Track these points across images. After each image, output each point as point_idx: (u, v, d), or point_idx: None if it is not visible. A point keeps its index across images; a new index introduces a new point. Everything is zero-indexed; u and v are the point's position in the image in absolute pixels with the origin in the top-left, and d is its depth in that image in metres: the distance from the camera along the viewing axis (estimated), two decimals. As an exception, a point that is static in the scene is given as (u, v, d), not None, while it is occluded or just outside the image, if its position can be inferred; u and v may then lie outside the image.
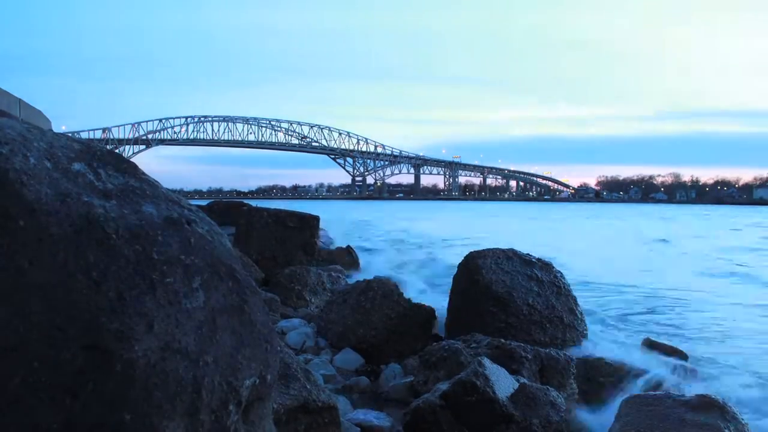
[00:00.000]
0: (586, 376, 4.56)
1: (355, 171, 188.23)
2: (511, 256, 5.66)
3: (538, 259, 5.75)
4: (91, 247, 1.39)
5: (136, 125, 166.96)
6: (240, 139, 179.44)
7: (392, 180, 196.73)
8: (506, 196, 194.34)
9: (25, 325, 1.28)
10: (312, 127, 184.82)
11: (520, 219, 47.32)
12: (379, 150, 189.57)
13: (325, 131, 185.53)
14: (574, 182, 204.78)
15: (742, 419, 3.41)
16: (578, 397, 4.27)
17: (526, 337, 4.95)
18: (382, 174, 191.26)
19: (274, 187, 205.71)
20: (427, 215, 51.14)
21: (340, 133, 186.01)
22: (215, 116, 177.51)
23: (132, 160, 1.79)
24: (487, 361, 3.73)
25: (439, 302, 7.72)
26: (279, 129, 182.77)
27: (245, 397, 1.59)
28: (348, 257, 11.95)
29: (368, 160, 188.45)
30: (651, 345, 5.96)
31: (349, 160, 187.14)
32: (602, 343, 6.26)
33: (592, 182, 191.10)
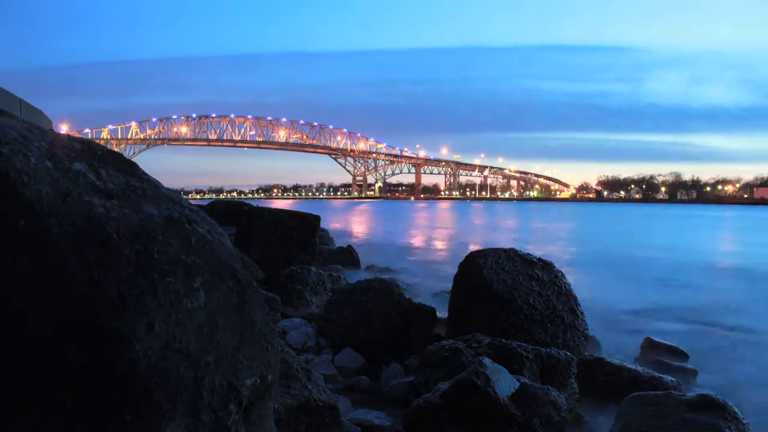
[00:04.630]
0: (587, 375, 4.56)
1: (356, 170, 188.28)
2: (512, 255, 5.65)
3: (539, 259, 5.74)
4: (92, 247, 1.39)
5: (137, 125, 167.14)
6: (241, 138, 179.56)
7: (393, 180, 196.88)
8: (507, 195, 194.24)
9: (26, 326, 1.28)
10: (313, 126, 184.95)
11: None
12: (380, 149, 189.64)
13: (326, 131, 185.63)
14: (575, 182, 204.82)
15: (743, 419, 3.40)
16: (579, 396, 4.27)
17: (526, 337, 4.95)
18: (382, 173, 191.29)
19: (275, 186, 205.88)
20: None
21: (341, 133, 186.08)
22: (216, 115, 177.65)
23: (133, 159, 1.79)
24: (488, 361, 3.73)
25: (439, 302, 7.74)
26: (280, 128, 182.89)
27: (246, 397, 1.59)
28: (348, 257, 11.97)
29: (369, 160, 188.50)
30: (652, 345, 5.95)
31: (350, 159, 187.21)
32: (603, 342, 6.27)
33: (592, 182, 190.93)
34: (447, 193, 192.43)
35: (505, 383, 3.63)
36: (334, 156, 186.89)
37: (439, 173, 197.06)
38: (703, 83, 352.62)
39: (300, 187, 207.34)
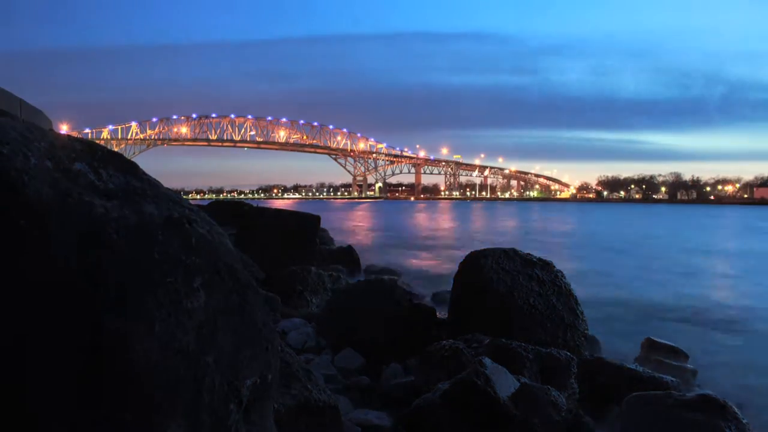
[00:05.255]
0: (587, 375, 4.55)
1: (356, 171, 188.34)
2: (512, 255, 5.65)
3: (539, 259, 5.74)
4: (92, 247, 1.39)
5: (137, 125, 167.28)
6: (241, 138, 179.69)
7: (393, 180, 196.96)
8: (507, 195, 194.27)
9: (26, 326, 1.28)
10: (313, 126, 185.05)
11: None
12: (380, 149, 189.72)
13: (326, 131, 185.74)
14: (575, 182, 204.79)
15: (743, 419, 3.41)
16: (579, 396, 4.26)
17: (526, 337, 4.95)
18: (382, 173, 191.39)
19: (275, 186, 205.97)
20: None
21: (341, 133, 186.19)
22: (216, 116, 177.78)
23: (133, 159, 1.79)
24: (488, 361, 3.73)
25: (439, 302, 7.75)
26: (280, 128, 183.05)
27: (246, 397, 1.59)
28: (348, 257, 11.96)
29: (369, 160, 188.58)
30: (652, 345, 5.95)
31: (350, 159, 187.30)
32: (603, 342, 6.27)
33: (592, 182, 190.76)
34: (447, 193, 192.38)
35: (505, 383, 3.63)
36: (334, 156, 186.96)
37: (439, 173, 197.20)
38: (607, 74, 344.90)
39: (300, 187, 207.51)
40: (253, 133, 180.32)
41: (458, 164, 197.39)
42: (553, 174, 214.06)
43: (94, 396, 1.30)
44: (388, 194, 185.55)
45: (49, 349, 1.29)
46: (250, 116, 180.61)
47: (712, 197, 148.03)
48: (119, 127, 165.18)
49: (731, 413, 3.39)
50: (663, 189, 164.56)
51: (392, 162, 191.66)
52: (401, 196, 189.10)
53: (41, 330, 1.29)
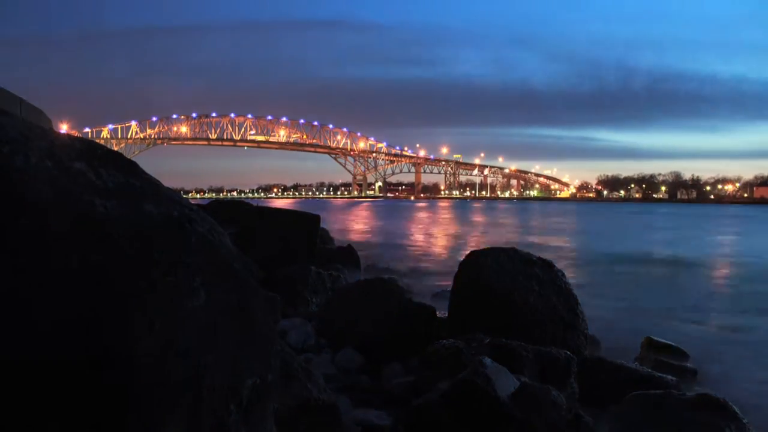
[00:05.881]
0: (587, 375, 4.55)
1: (356, 170, 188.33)
2: (512, 255, 5.65)
3: (539, 259, 5.74)
4: (92, 246, 1.39)
5: (137, 124, 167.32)
6: (241, 138, 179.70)
7: (393, 179, 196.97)
8: (507, 195, 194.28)
9: (26, 325, 1.28)
10: (313, 125, 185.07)
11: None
12: (380, 148, 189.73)
13: (326, 130, 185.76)
14: (575, 181, 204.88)
15: (743, 418, 3.41)
16: (579, 396, 4.26)
17: (526, 337, 4.94)
18: (382, 173, 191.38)
19: (275, 186, 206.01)
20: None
21: (341, 132, 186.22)
22: (216, 115, 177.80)
23: (133, 159, 1.79)
24: (488, 361, 3.73)
25: (439, 302, 7.74)
26: (280, 127, 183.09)
27: (246, 397, 1.59)
28: (348, 257, 11.96)
29: (369, 159, 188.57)
30: (652, 344, 5.95)
31: (350, 158, 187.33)
32: (603, 342, 6.26)
33: (592, 181, 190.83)
34: (447, 192, 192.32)
35: (505, 383, 3.63)
36: (334, 155, 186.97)
37: (439, 173, 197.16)
38: (510, 64, 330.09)
39: (300, 186, 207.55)
40: (253, 132, 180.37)
41: (458, 163, 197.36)
42: (553, 173, 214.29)
43: (93, 396, 1.30)
44: (388, 193, 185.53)
45: (49, 348, 1.28)
46: (250, 115, 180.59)
47: (711, 196, 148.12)
48: (119, 127, 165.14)
49: (731, 413, 3.39)
50: (663, 188, 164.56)
51: (392, 161, 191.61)
52: (401, 195, 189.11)
53: (41, 330, 1.29)
